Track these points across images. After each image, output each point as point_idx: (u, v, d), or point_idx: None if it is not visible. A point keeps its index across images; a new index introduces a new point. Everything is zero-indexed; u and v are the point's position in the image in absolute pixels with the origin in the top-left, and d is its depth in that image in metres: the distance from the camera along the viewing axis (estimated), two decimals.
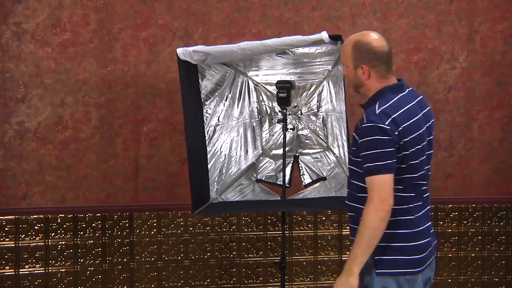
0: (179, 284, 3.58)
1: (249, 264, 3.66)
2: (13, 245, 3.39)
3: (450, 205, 3.79)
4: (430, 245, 2.13)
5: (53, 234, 3.43)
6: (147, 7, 3.48)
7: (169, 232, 3.57)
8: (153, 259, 3.56)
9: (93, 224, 3.48)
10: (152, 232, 3.56)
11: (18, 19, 3.34)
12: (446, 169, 3.77)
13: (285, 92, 2.89)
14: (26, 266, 3.40)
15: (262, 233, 3.67)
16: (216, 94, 3.10)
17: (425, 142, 2.08)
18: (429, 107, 2.17)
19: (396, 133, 1.97)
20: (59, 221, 3.44)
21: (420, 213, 2.09)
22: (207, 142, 3.08)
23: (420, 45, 3.71)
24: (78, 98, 3.43)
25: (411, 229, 2.06)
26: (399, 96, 2.07)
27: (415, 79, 3.72)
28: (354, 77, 2.14)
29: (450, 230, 3.79)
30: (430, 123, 2.14)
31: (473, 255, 3.80)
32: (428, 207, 2.16)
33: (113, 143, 3.48)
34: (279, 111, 3.12)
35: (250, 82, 3.22)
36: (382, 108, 2.01)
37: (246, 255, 3.65)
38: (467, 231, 3.80)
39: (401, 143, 1.98)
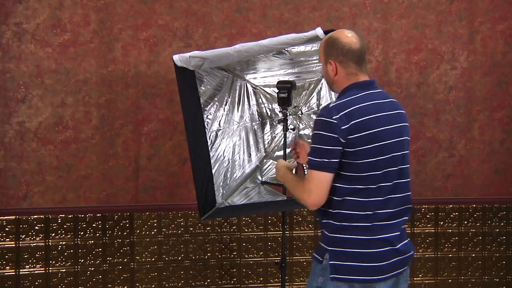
0: (180, 284, 3.58)
1: (250, 264, 3.66)
2: (14, 245, 3.39)
3: (451, 205, 3.79)
4: (395, 255, 2.03)
5: (53, 234, 3.43)
6: (148, 7, 3.48)
7: (170, 232, 3.57)
8: (153, 259, 3.56)
9: (94, 224, 3.48)
10: (153, 233, 3.56)
11: (19, 19, 3.34)
12: (446, 169, 3.77)
13: (286, 92, 2.88)
14: (27, 266, 3.40)
15: (262, 233, 3.67)
16: (216, 99, 3.09)
17: (387, 142, 2.02)
18: (401, 111, 2.12)
19: (343, 127, 1.95)
20: (59, 221, 3.44)
21: (381, 222, 2.01)
22: (209, 148, 3.06)
23: (421, 45, 3.71)
24: (79, 98, 3.43)
25: (365, 236, 2.00)
26: (360, 94, 2.04)
27: (416, 79, 3.72)
28: (326, 73, 2.15)
29: (450, 231, 3.79)
30: (398, 125, 2.07)
31: (473, 255, 3.80)
32: (401, 218, 2.07)
33: (113, 143, 3.48)
34: (279, 112, 3.12)
35: (249, 86, 3.21)
36: (337, 103, 2.02)
37: (246, 255, 3.66)
38: (468, 231, 3.81)
39: (350, 137, 1.96)
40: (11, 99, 3.35)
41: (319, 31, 2.58)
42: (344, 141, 1.97)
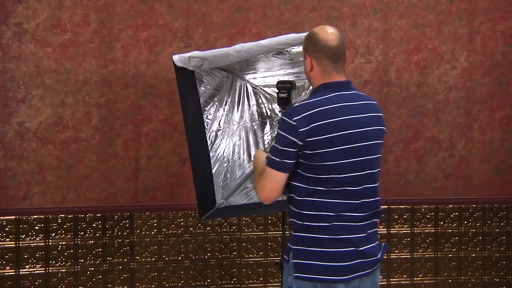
0: (180, 284, 3.58)
1: (250, 264, 3.66)
2: (14, 245, 3.39)
3: (451, 205, 3.79)
4: (358, 256, 2.02)
5: (53, 234, 3.43)
6: (148, 7, 3.48)
7: (170, 232, 3.57)
8: (153, 259, 3.56)
9: (94, 225, 3.48)
10: (153, 233, 3.56)
11: (19, 19, 3.34)
12: (446, 169, 3.77)
13: (286, 92, 2.88)
14: (27, 266, 3.40)
15: (262, 233, 3.67)
16: (215, 99, 3.09)
17: (352, 146, 1.99)
18: (375, 114, 2.08)
19: (302, 129, 1.95)
20: (59, 221, 3.44)
21: (345, 223, 2.00)
22: (209, 148, 3.06)
23: (421, 45, 3.71)
24: (79, 98, 3.43)
25: (327, 235, 2.00)
26: (329, 95, 2.03)
27: (416, 80, 3.72)
28: (304, 68, 2.14)
29: (450, 231, 3.79)
30: (368, 129, 2.04)
31: (473, 255, 3.80)
32: (368, 221, 2.05)
33: (113, 143, 3.48)
34: (279, 112, 3.12)
35: (248, 86, 3.21)
36: (302, 103, 2.02)
37: (246, 255, 3.65)
38: (468, 231, 3.81)
39: (309, 140, 1.95)
40: (11, 99, 3.35)
41: None
42: (302, 144, 1.97)
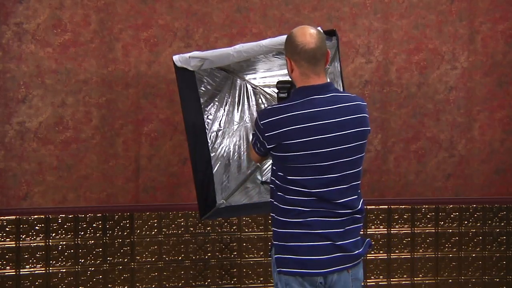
0: (180, 284, 3.59)
1: (250, 264, 3.66)
2: (14, 245, 3.39)
3: (451, 205, 3.79)
4: (336, 251, 2.07)
5: (54, 234, 3.43)
6: (148, 7, 3.48)
7: (170, 232, 3.57)
8: (153, 259, 3.56)
9: (94, 225, 3.48)
10: (153, 233, 3.56)
11: (19, 20, 3.34)
12: (446, 169, 3.77)
13: (286, 92, 2.88)
14: (27, 266, 3.40)
15: (262, 233, 3.67)
16: (216, 99, 3.10)
17: (321, 151, 2.02)
18: (355, 116, 2.09)
19: (267, 134, 2.07)
20: (59, 221, 3.44)
21: (318, 218, 2.06)
22: (210, 148, 3.07)
23: (421, 45, 3.71)
24: (79, 98, 3.43)
25: (302, 230, 2.06)
26: (301, 100, 2.08)
27: (416, 80, 3.72)
28: (287, 70, 2.21)
29: (450, 231, 3.79)
30: (346, 132, 2.06)
31: (474, 255, 3.80)
32: (343, 218, 2.09)
33: (113, 143, 3.48)
34: None
35: (248, 86, 3.21)
36: (273, 107, 2.12)
37: (246, 255, 3.66)
38: (468, 231, 3.80)
39: (274, 145, 2.07)
40: (12, 99, 3.36)
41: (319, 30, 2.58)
42: (269, 146, 2.09)
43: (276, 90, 2.97)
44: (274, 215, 2.14)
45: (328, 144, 2.03)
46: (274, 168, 2.14)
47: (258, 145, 2.19)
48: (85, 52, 3.42)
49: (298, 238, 2.06)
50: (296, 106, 2.06)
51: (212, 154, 3.06)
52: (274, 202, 2.14)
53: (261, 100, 3.24)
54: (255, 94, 3.23)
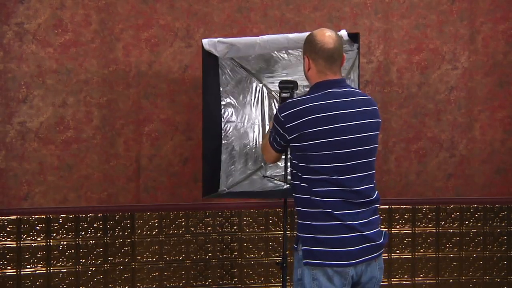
0: (181, 284, 3.58)
1: (251, 264, 3.66)
2: (15, 245, 3.39)
3: (452, 206, 3.79)
4: (364, 241, 2.13)
5: (54, 234, 3.43)
6: (149, 7, 3.48)
7: (171, 232, 3.57)
8: (154, 259, 3.56)
9: (95, 224, 3.48)
10: (154, 233, 3.56)
11: (20, 20, 3.34)
12: (447, 169, 3.77)
13: (288, 92, 2.90)
14: (28, 266, 3.40)
15: (263, 233, 3.67)
16: (233, 92, 3.19)
17: (340, 138, 2.11)
18: (370, 108, 2.21)
19: (288, 125, 2.13)
20: (60, 221, 3.44)
21: (343, 211, 2.11)
22: (222, 135, 3.17)
23: (422, 45, 3.71)
24: (80, 98, 3.43)
25: (329, 222, 2.10)
26: (319, 93, 2.16)
27: (417, 80, 3.72)
28: (303, 68, 2.28)
29: (451, 231, 3.79)
30: (363, 121, 2.16)
31: (474, 255, 3.80)
32: (366, 208, 2.16)
33: (114, 143, 3.48)
34: None
35: (264, 89, 3.29)
36: (293, 100, 2.19)
37: (247, 255, 3.65)
38: (469, 231, 3.80)
39: (295, 135, 2.13)
40: (12, 99, 3.36)
41: (343, 32, 2.67)
42: (289, 137, 2.15)
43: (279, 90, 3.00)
44: (298, 207, 2.18)
45: (348, 132, 2.13)
46: (295, 161, 2.18)
47: (278, 139, 2.23)
48: (86, 52, 3.42)
49: (327, 230, 2.10)
50: (315, 98, 2.14)
51: (223, 142, 3.15)
52: (299, 195, 2.18)
53: (274, 104, 3.33)
54: (269, 98, 3.31)
